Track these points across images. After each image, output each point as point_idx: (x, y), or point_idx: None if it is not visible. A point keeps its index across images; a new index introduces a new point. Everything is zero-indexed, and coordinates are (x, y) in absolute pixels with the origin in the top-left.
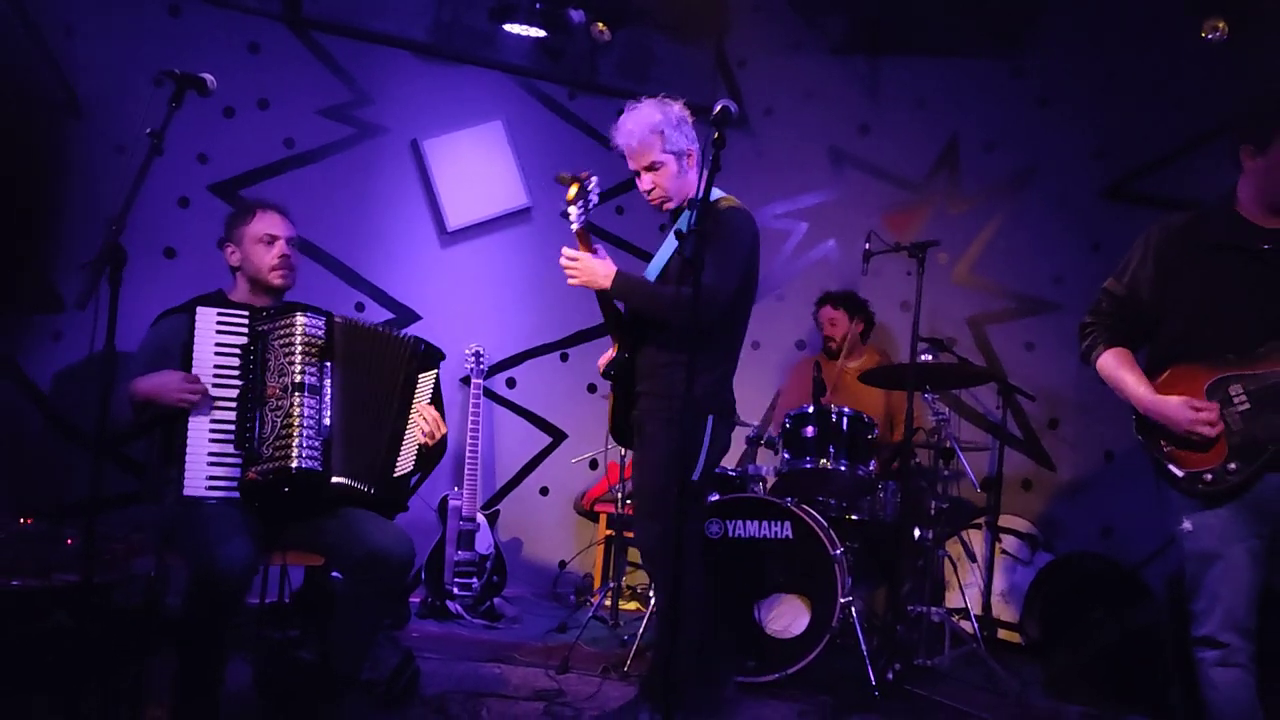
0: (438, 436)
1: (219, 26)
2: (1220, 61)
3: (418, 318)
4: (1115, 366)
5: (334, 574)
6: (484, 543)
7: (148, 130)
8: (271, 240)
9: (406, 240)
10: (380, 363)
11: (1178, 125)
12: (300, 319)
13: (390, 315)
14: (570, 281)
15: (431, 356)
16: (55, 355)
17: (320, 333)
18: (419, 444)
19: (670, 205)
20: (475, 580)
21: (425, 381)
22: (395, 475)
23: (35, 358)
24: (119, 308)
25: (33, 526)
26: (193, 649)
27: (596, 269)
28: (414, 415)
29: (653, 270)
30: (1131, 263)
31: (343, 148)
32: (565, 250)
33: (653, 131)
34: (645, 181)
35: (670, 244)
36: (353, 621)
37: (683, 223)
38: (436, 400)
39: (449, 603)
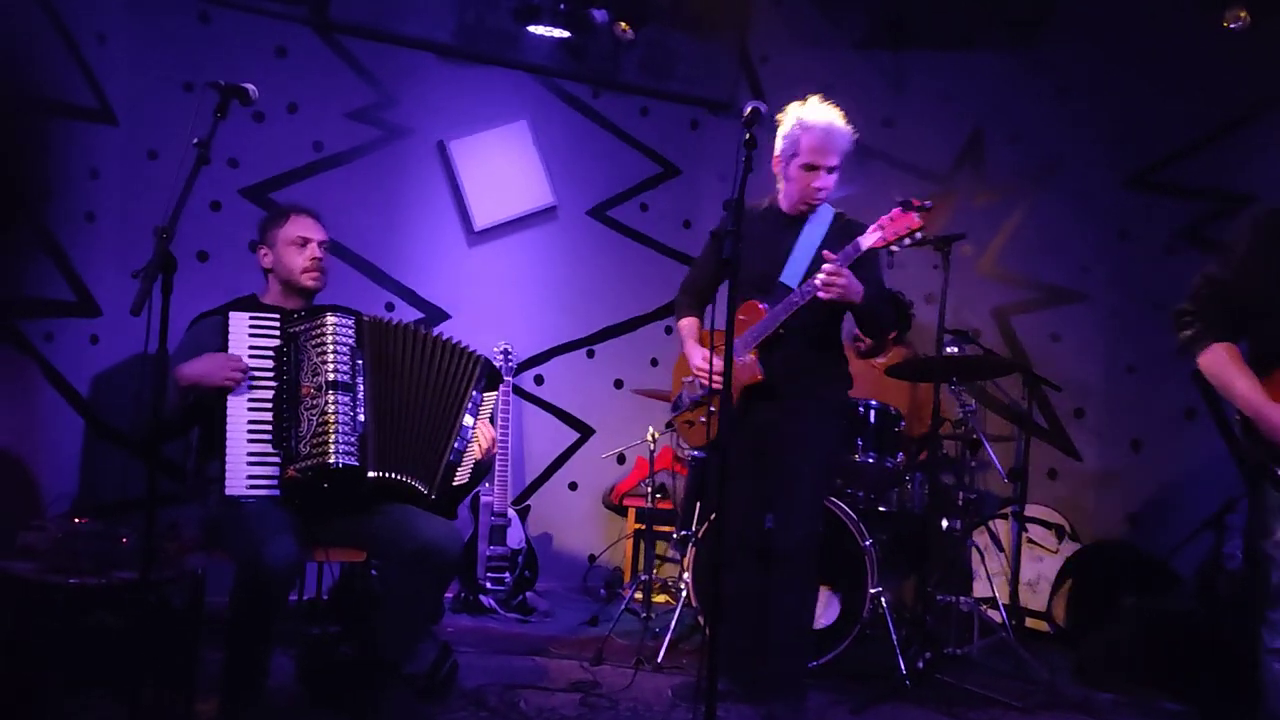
0: (493, 452)
1: (247, 32)
2: (1242, 50)
3: (447, 316)
4: (1226, 365)
5: (372, 571)
6: (515, 538)
7: (194, 140)
8: (304, 243)
9: (434, 240)
10: (421, 363)
11: (1200, 114)
12: (330, 319)
13: (420, 315)
14: (827, 294)
15: (497, 378)
16: (92, 359)
17: (350, 332)
18: (476, 459)
19: (820, 204)
20: (507, 575)
21: (489, 401)
22: (454, 485)
23: (73, 361)
24: (154, 308)
25: (87, 525)
26: (240, 644)
27: (854, 286)
28: (476, 431)
29: (794, 274)
30: (1240, 249)
31: (370, 150)
32: (831, 268)
33: (851, 143)
34: (825, 179)
35: (809, 246)
36: (403, 613)
37: (821, 226)
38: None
39: (482, 597)
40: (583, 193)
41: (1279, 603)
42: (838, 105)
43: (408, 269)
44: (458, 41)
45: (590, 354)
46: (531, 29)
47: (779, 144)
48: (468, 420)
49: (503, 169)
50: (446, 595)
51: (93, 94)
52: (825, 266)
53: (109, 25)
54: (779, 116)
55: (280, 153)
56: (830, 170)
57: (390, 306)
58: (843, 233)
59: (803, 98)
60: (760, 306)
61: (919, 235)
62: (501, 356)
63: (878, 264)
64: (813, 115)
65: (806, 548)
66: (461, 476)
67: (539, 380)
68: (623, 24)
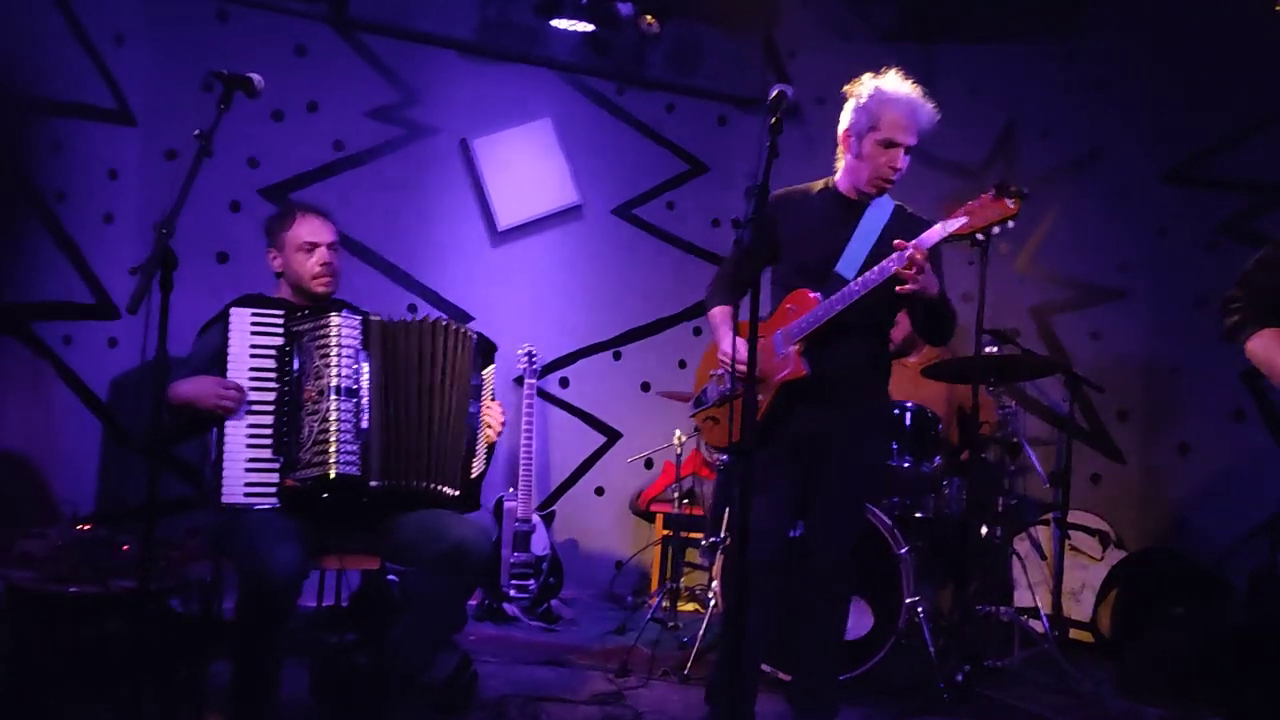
0: (502, 429)
1: (266, 30)
2: None
3: (470, 318)
4: (1273, 350)
5: (390, 577)
6: (540, 544)
7: (195, 132)
8: (311, 248)
9: (457, 241)
10: (439, 360)
11: (1242, 104)
12: (335, 319)
13: (442, 316)
14: (911, 286)
15: (490, 350)
16: (111, 361)
17: (356, 333)
18: (489, 442)
19: (888, 189)
20: (532, 582)
21: (489, 378)
22: (472, 477)
23: (91, 365)
24: (170, 312)
25: (89, 533)
26: (246, 655)
27: (933, 277)
28: (484, 414)
29: (851, 264)
30: None
31: (392, 149)
32: (919, 253)
33: (934, 124)
34: (904, 159)
35: (868, 235)
36: (428, 617)
37: (881, 216)
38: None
39: (505, 605)
40: (608, 191)
41: None
42: None
43: (430, 270)
44: (479, 38)
45: (616, 356)
46: (554, 23)
47: (849, 117)
48: (474, 408)
49: (526, 167)
50: (470, 603)
51: (111, 95)
52: (907, 250)
53: (126, 25)
54: (847, 88)
55: (300, 152)
56: (908, 150)
57: (413, 308)
58: (904, 226)
59: (831, 92)
60: (811, 296)
61: (1011, 225)
62: (526, 359)
63: (942, 259)
64: (895, 88)
65: (847, 565)
66: (478, 466)
67: (564, 383)
68: (648, 17)
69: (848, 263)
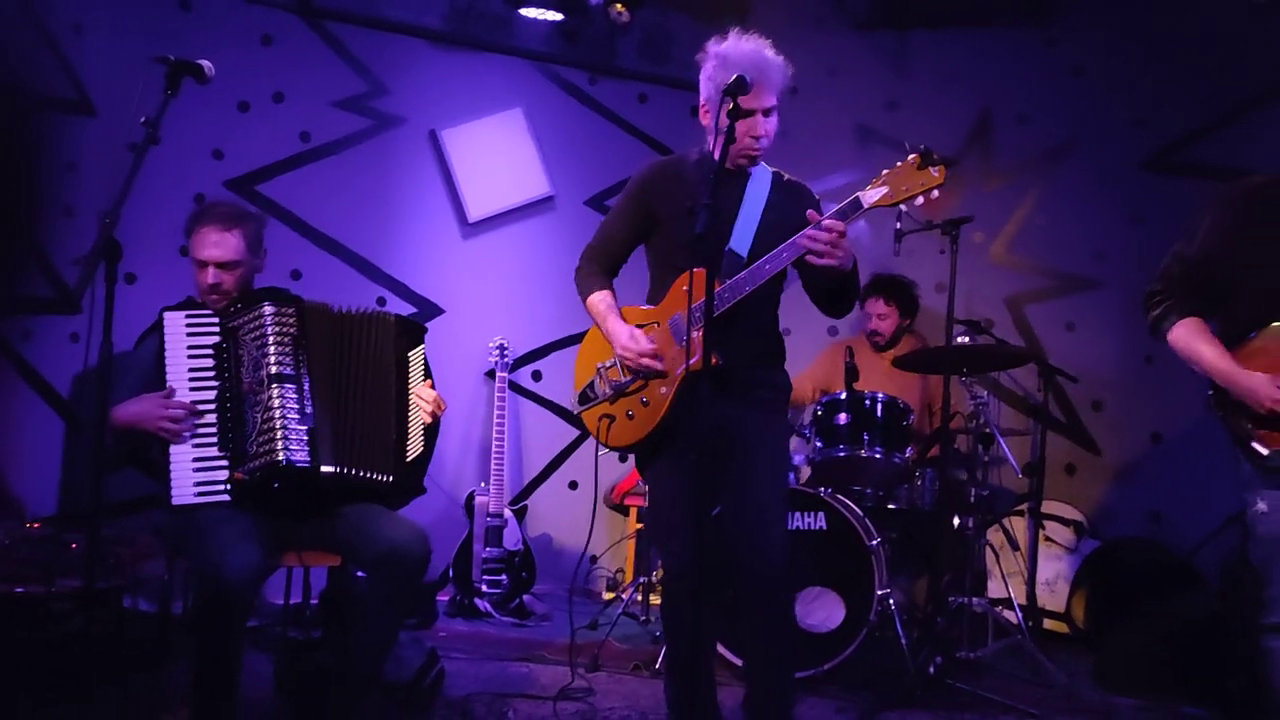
0: (440, 412)
1: (230, 19)
2: (1265, 25)
3: (440, 311)
4: (1191, 338)
5: (359, 573)
6: (512, 539)
7: (141, 119)
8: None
9: (427, 232)
10: (366, 345)
11: (1221, 92)
12: (268, 309)
13: (413, 309)
14: (828, 260)
15: (416, 331)
16: (73, 357)
17: (291, 321)
18: (424, 424)
19: (760, 156)
20: (504, 577)
21: (416, 359)
22: (408, 460)
23: (52, 361)
24: (134, 307)
25: (38, 531)
26: (204, 655)
27: (850, 255)
28: (413, 396)
29: (742, 239)
30: (1205, 224)
31: (360, 140)
32: (832, 224)
33: (788, 76)
34: (766, 124)
35: (754, 207)
36: (374, 619)
37: (762, 184)
38: (427, 373)
39: (477, 600)
40: (580, 182)
41: (1265, 578)
42: (841, 88)
43: (400, 262)
44: (448, 26)
45: None
46: (523, 12)
47: (702, 90)
48: (404, 390)
49: (497, 158)
50: (441, 598)
51: (70, 85)
52: (825, 224)
53: (85, 15)
54: (698, 57)
55: (266, 144)
56: (768, 113)
57: (382, 301)
58: (787, 192)
59: (804, 81)
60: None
61: (935, 194)
62: (497, 352)
63: (861, 231)
64: (737, 52)
65: (785, 555)
66: (414, 449)
67: (536, 376)
68: (618, 6)
69: (740, 239)
